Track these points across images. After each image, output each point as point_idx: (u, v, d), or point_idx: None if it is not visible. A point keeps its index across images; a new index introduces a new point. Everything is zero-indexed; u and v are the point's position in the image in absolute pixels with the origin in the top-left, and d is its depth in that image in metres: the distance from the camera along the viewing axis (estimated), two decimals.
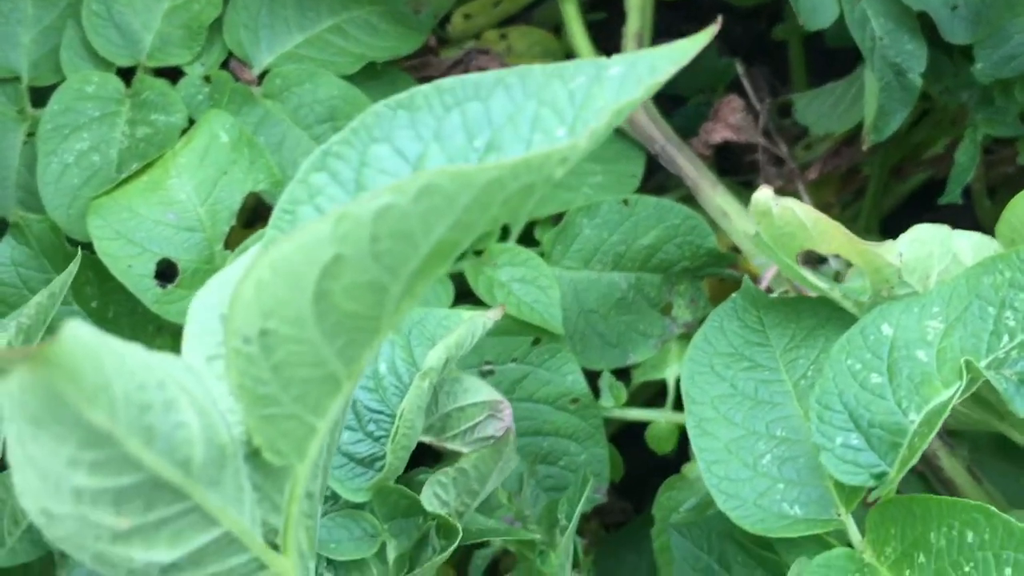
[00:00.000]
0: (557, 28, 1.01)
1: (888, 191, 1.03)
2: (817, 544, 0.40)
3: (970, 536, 0.33)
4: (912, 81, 0.76)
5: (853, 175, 1.01)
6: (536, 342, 0.72)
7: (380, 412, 0.44)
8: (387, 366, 0.44)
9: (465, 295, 0.73)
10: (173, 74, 0.78)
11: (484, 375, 0.71)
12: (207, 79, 0.76)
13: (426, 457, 0.61)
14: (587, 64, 0.26)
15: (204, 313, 0.28)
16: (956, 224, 1.20)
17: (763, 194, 0.45)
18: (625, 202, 0.77)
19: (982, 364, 0.37)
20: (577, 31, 0.81)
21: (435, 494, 0.41)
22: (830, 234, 0.44)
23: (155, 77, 0.76)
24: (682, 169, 0.80)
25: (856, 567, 0.37)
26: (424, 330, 0.46)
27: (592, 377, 0.77)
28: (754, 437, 0.43)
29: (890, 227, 1.11)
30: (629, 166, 0.82)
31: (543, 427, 0.71)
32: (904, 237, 0.45)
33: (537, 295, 0.72)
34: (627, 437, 0.82)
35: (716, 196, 0.79)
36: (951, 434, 0.75)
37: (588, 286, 0.76)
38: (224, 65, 0.77)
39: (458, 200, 0.22)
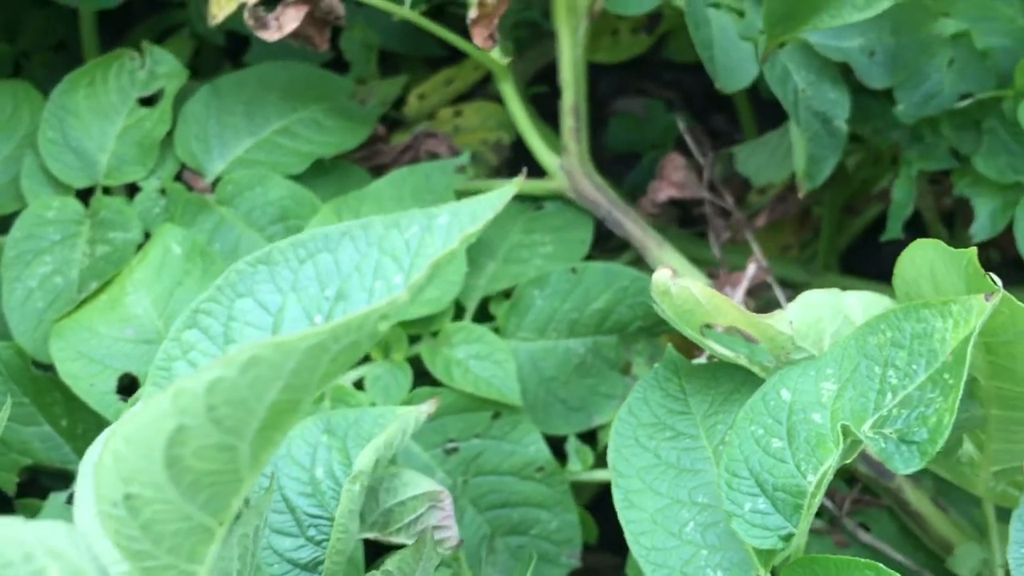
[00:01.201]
0: None
1: (843, 228, 1.05)
2: None
3: None
4: (838, 128, 0.78)
5: (808, 216, 1.03)
6: (496, 416, 0.74)
7: (320, 516, 0.46)
8: (324, 470, 0.46)
9: (423, 375, 0.76)
10: (131, 190, 0.81)
11: (448, 453, 0.73)
12: (162, 192, 0.79)
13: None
14: (419, 215, 0.28)
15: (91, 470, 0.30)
16: None
17: (661, 276, 0.47)
18: (574, 270, 0.79)
19: (869, 423, 0.39)
20: (517, 110, 0.84)
21: None
22: (723, 309, 0.46)
23: (113, 195, 0.79)
24: (629, 232, 0.83)
25: None
26: (360, 430, 0.48)
27: (559, 443, 0.79)
28: (678, 506, 0.45)
29: (851, 260, 1.13)
30: (578, 233, 0.84)
31: (511, 498, 0.73)
32: (793, 305, 0.47)
33: (493, 370, 0.74)
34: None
35: (663, 255, 0.81)
36: None
37: (545, 355, 0.79)
38: (178, 176, 0.81)
39: (284, 367, 0.24)
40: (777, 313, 0.46)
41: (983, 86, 0.77)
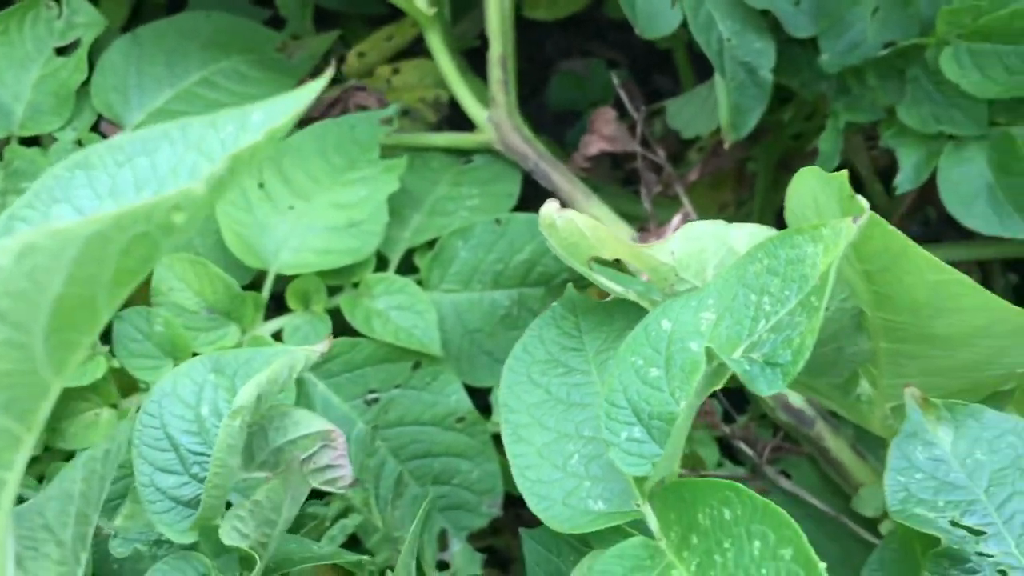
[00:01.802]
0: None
1: (778, 185, 1.05)
2: (623, 537, 0.41)
3: (727, 513, 0.35)
4: (764, 78, 0.78)
5: (745, 173, 1.03)
6: (417, 366, 0.73)
7: (203, 454, 0.45)
8: (209, 408, 0.46)
9: (344, 327, 0.75)
10: (48, 141, 0.80)
11: (369, 403, 0.73)
12: (79, 143, 0.78)
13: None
14: (236, 113, 0.27)
15: None
16: None
17: (548, 208, 0.47)
18: (498, 221, 0.78)
19: (741, 348, 0.39)
20: (445, 63, 0.83)
21: (234, 527, 0.42)
22: (606, 241, 0.46)
23: (28, 146, 0.78)
24: (556, 184, 0.82)
25: (648, 554, 0.38)
26: (250, 370, 0.48)
27: (485, 395, 0.78)
28: (565, 439, 0.45)
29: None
30: (505, 186, 0.84)
31: (432, 448, 0.73)
32: (677, 235, 0.46)
33: (414, 320, 0.74)
34: None
35: (590, 207, 0.81)
36: (835, 416, 0.77)
37: (470, 307, 0.78)
38: (95, 127, 0.79)
39: (63, 255, 0.24)
40: (658, 243, 0.46)
41: (906, 34, 0.76)
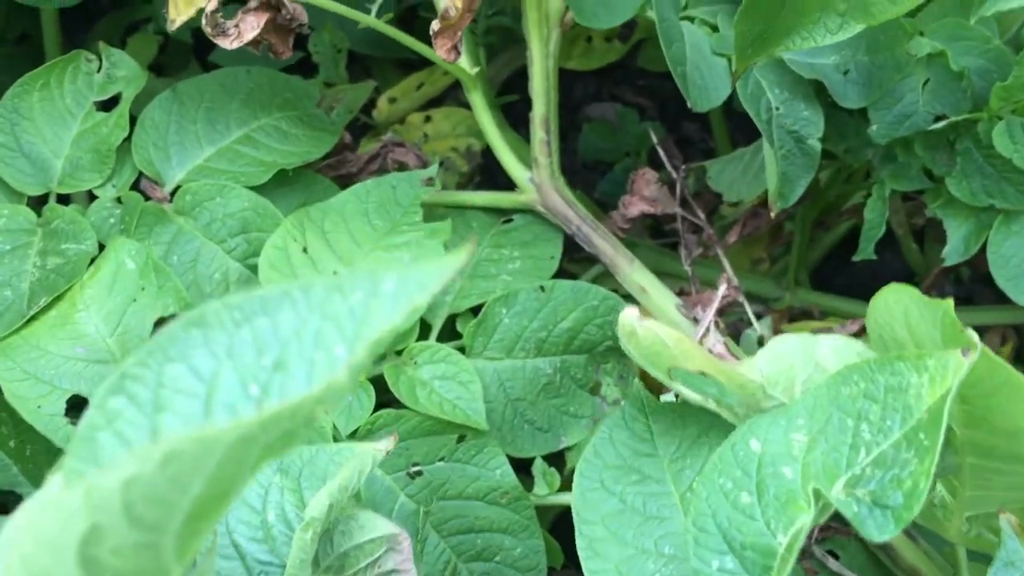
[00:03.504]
0: None
1: (815, 242, 1.04)
2: None
3: None
4: (812, 147, 0.77)
5: (780, 230, 1.02)
6: (462, 439, 0.72)
7: (270, 563, 0.44)
8: (276, 514, 0.44)
9: (385, 393, 0.73)
10: (86, 198, 0.78)
11: (412, 477, 0.71)
12: (118, 200, 0.76)
13: None
14: (364, 278, 0.26)
15: None
16: (885, 268, 1.20)
17: (628, 316, 0.45)
18: (542, 288, 0.77)
19: (841, 481, 0.37)
20: (487, 122, 0.82)
21: None
22: (691, 354, 0.44)
23: (67, 203, 0.76)
24: (599, 248, 0.81)
25: None
26: (315, 469, 0.46)
27: (525, 464, 0.77)
28: (643, 556, 0.43)
29: (822, 273, 1.12)
30: (546, 248, 0.82)
31: (475, 524, 0.71)
32: (764, 352, 0.45)
33: (459, 391, 0.72)
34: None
35: (633, 273, 0.80)
36: None
37: (513, 375, 0.76)
38: (135, 185, 0.78)
39: (207, 461, 0.22)
40: (747, 361, 0.44)
41: (958, 108, 0.75)
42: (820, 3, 0.53)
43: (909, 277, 1.11)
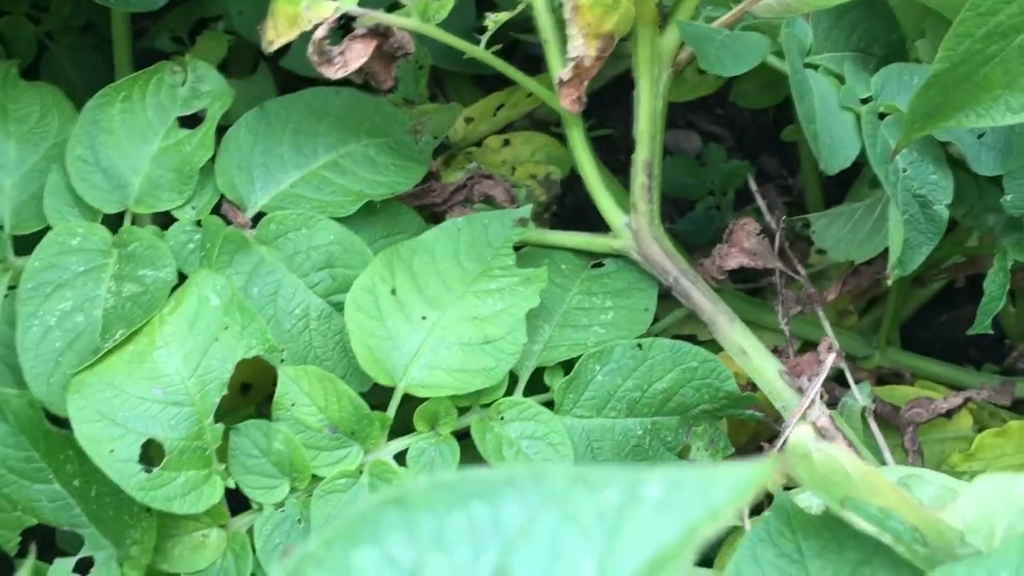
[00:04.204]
0: (559, 123, 0.96)
1: (907, 299, 0.98)
2: None
3: None
4: (939, 213, 0.71)
5: (875, 284, 0.96)
6: None
7: None
8: None
9: (469, 452, 0.69)
10: (163, 219, 0.74)
11: None
12: (198, 224, 0.72)
13: None
14: (618, 476, 0.20)
15: None
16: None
17: (802, 436, 0.40)
18: (639, 346, 0.72)
19: None
20: (586, 163, 0.77)
21: None
22: (878, 489, 0.39)
23: (143, 225, 0.72)
24: (697, 304, 0.75)
25: None
26: None
27: None
28: None
29: (909, 329, 1.06)
30: (641, 299, 0.77)
31: None
32: (967, 496, 0.40)
33: (548, 453, 0.67)
34: None
35: (734, 333, 0.74)
36: None
37: (602, 435, 0.72)
38: (216, 208, 0.73)
39: None
40: (949, 508, 0.39)
41: None
42: (1005, 81, 0.48)
43: (999, 339, 1.05)
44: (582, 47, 0.61)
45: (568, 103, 0.64)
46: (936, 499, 0.42)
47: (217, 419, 0.62)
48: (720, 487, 0.20)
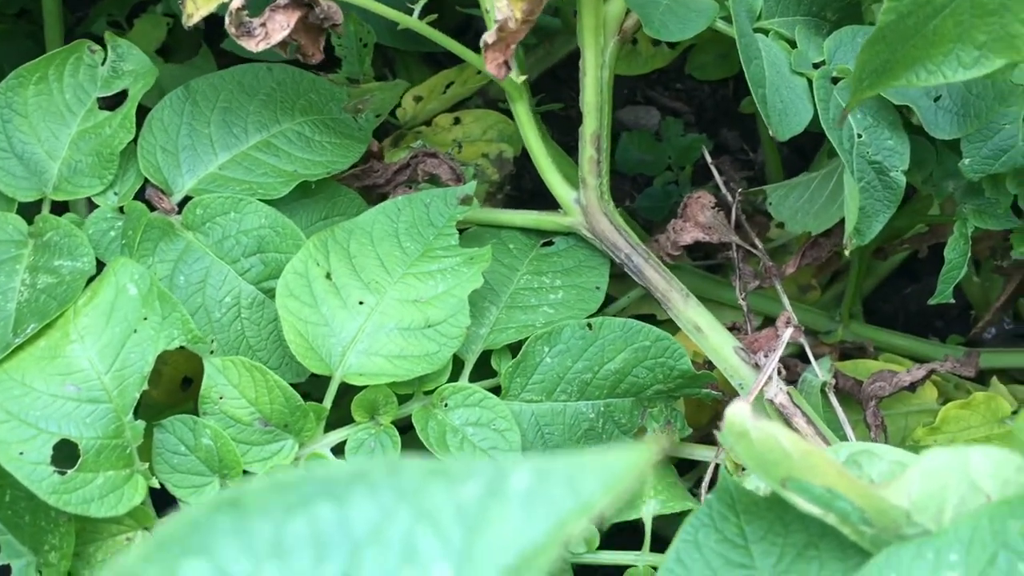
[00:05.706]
0: None
1: (869, 271, 0.96)
2: None
3: None
4: (895, 179, 0.68)
5: (835, 257, 0.94)
6: None
7: None
8: None
9: (415, 443, 0.65)
10: (84, 206, 0.70)
11: None
12: (120, 210, 0.68)
13: None
14: (482, 468, 0.17)
15: None
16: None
17: (738, 413, 0.37)
18: (589, 326, 0.69)
19: None
20: (532, 138, 0.73)
21: None
22: (819, 468, 0.36)
23: (62, 212, 0.68)
24: (650, 281, 0.72)
25: None
26: None
27: None
28: None
29: (869, 302, 1.04)
30: (592, 277, 0.74)
31: None
32: (914, 471, 0.37)
33: (495, 440, 0.64)
34: None
35: (688, 310, 0.71)
36: None
37: (552, 419, 0.68)
38: (140, 194, 0.69)
39: None
40: (894, 484, 0.36)
41: None
42: (956, 33, 0.45)
43: (964, 310, 1.03)
44: (507, 8, 0.57)
45: (493, 67, 0.61)
46: (887, 475, 0.39)
47: (153, 415, 0.58)
48: (591, 477, 0.16)
